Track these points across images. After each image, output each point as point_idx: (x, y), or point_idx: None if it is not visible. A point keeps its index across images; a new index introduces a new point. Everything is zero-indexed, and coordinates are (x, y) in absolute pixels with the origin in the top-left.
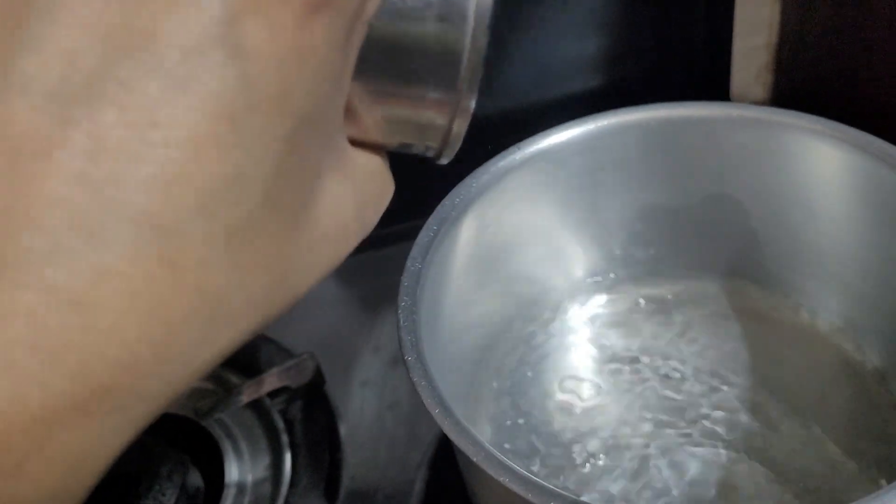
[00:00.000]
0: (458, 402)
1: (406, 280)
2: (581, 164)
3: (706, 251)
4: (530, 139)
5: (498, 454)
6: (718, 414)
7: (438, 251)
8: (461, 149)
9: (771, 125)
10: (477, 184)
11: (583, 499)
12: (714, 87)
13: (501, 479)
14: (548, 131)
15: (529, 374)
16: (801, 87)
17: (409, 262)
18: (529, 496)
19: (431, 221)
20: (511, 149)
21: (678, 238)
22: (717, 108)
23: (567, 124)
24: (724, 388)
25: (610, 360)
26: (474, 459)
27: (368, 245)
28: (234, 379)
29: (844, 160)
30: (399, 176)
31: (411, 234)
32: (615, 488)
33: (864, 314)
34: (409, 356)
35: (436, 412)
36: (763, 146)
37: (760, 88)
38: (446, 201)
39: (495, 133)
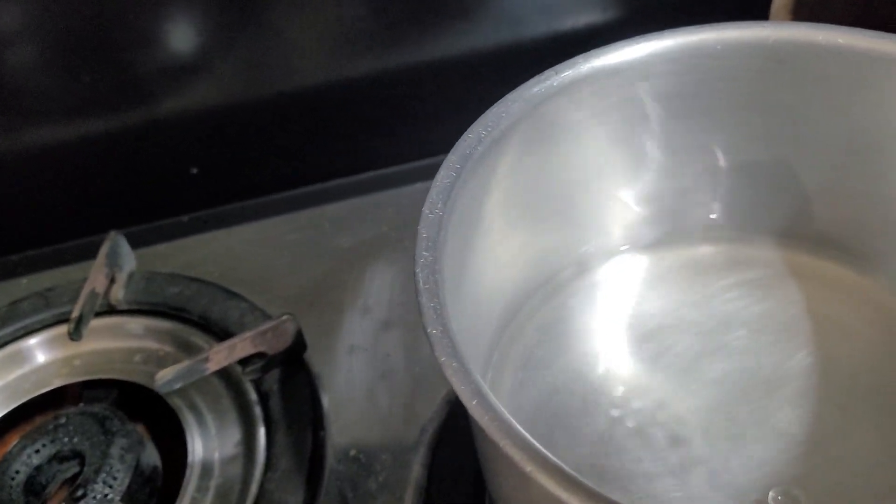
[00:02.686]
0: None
1: (425, 230)
2: (629, 95)
3: (768, 205)
4: (569, 62)
5: (565, 468)
6: (780, 396)
7: (462, 195)
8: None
9: (864, 52)
10: (507, 113)
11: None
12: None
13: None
14: (588, 54)
15: (556, 336)
16: None
17: (426, 209)
18: None
19: (452, 159)
20: (547, 72)
21: (737, 188)
22: (793, 30)
23: (609, 46)
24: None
25: (650, 325)
26: (527, 470)
27: (354, 192)
28: (199, 342)
29: None
30: (392, 107)
31: (403, 179)
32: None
33: None
34: (433, 328)
35: (473, 404)
36: (850, 78)
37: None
38: (469, 134)
39: (506, 67)
